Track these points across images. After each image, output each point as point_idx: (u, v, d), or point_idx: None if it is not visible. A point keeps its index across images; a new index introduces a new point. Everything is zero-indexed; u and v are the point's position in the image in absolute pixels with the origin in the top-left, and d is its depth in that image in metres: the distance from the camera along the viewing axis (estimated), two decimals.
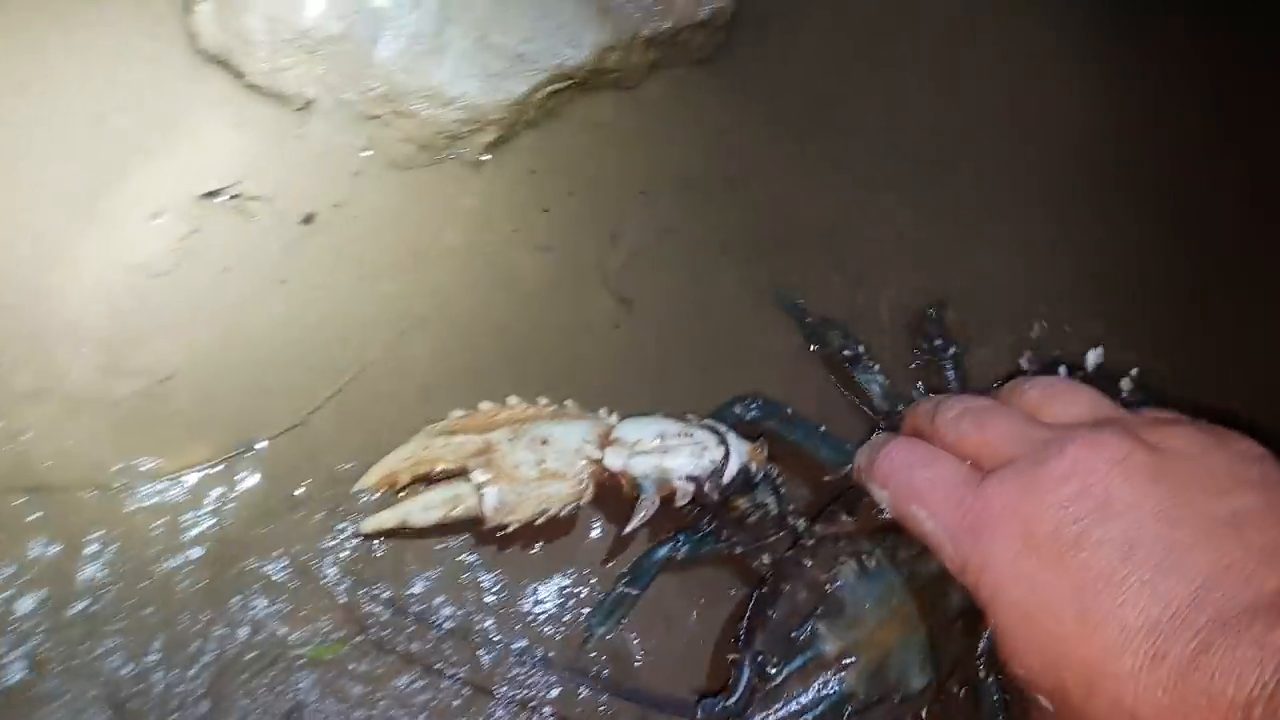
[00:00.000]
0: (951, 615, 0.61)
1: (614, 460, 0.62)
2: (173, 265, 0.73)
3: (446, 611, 0.69)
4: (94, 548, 0.65)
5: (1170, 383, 0.77)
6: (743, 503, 0.66)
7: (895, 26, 0.96)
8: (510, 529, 0.63)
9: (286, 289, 0.75)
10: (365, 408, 0.73)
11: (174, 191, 0.76)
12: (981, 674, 0.63)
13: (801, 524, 0.66)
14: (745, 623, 0.63)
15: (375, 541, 0.69)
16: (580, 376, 0.75)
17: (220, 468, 0.68)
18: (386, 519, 0.66)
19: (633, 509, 0.62)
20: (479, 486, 0.62)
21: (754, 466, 0.65)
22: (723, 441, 0.64)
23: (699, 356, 0.74)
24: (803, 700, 0.58)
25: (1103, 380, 0.71)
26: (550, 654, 0.68)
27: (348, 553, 0.69)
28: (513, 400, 0.66)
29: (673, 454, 0.63)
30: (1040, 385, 0.57)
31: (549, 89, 0.80)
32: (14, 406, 0.69)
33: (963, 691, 0.65)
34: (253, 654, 0.64)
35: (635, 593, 0.66)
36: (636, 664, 0.68)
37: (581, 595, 0.70)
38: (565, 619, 0.70)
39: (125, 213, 0.75)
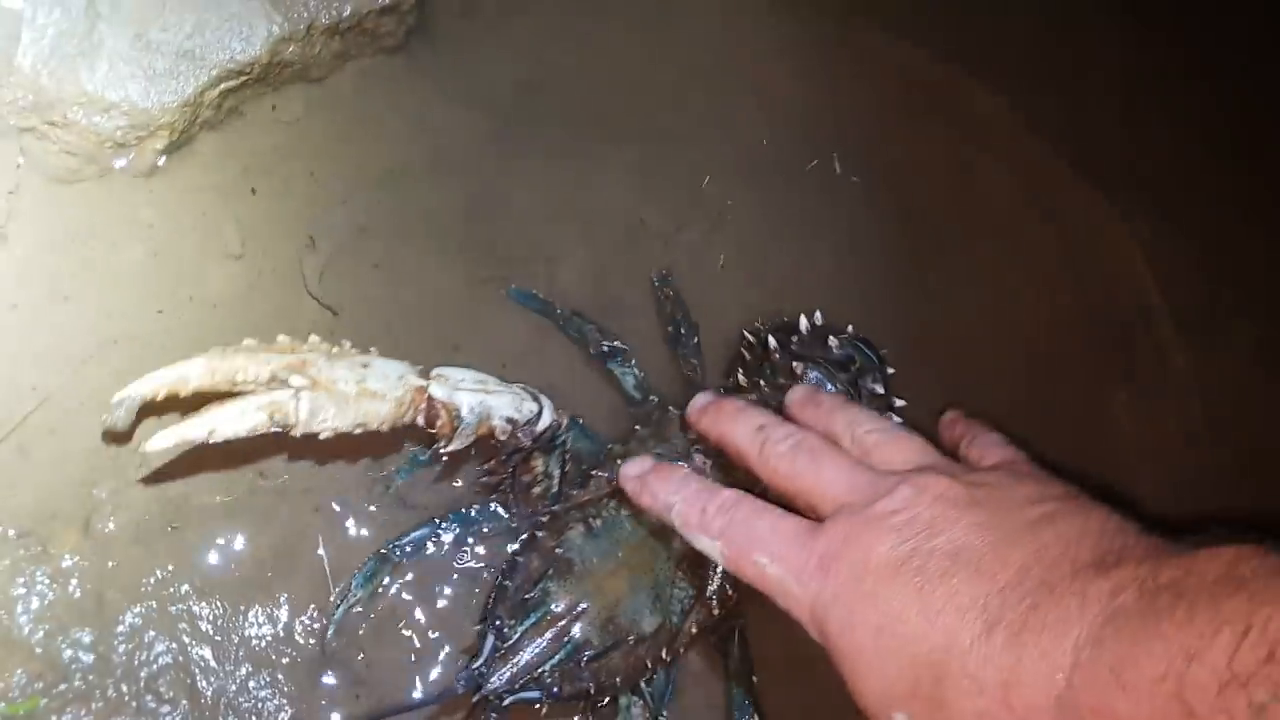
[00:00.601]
0: (676, 560, 0.67)
1: (439, 390, 0.64)
2: None
3: (159, 647, 0.67)
4: None
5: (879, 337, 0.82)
6: (538, 464, 0.71)
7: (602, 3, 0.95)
8: (322, 436, 0.61)
9: None
10: (49, 442, 0.69)
11: None
12: (716, 612, 0.69)
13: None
14: (489, 597, 0.67)
15: (72, 582, 0.66)
16: None
17: None
18: (186, 431, 0.59)
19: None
20: (297, 390, 0.60)
21: (561, 425, 0.70)
22: (537, 399, 0.69)
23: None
24: (539, 652, 0.64)
25: (821, 334, 0.78)
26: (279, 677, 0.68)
27: (39, 599, 0.65)
28: (314, 338, 0.64)
29: (495, 396, 0.67)
30: (877, 430, 0.60)
31: (222, 86, 0.75)
32: None
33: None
34: None
35: (397, 558, 0.70)
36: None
37: (306, 620, 0.69)
38: (294, 640, 0.69)
39: None
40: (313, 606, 0.70)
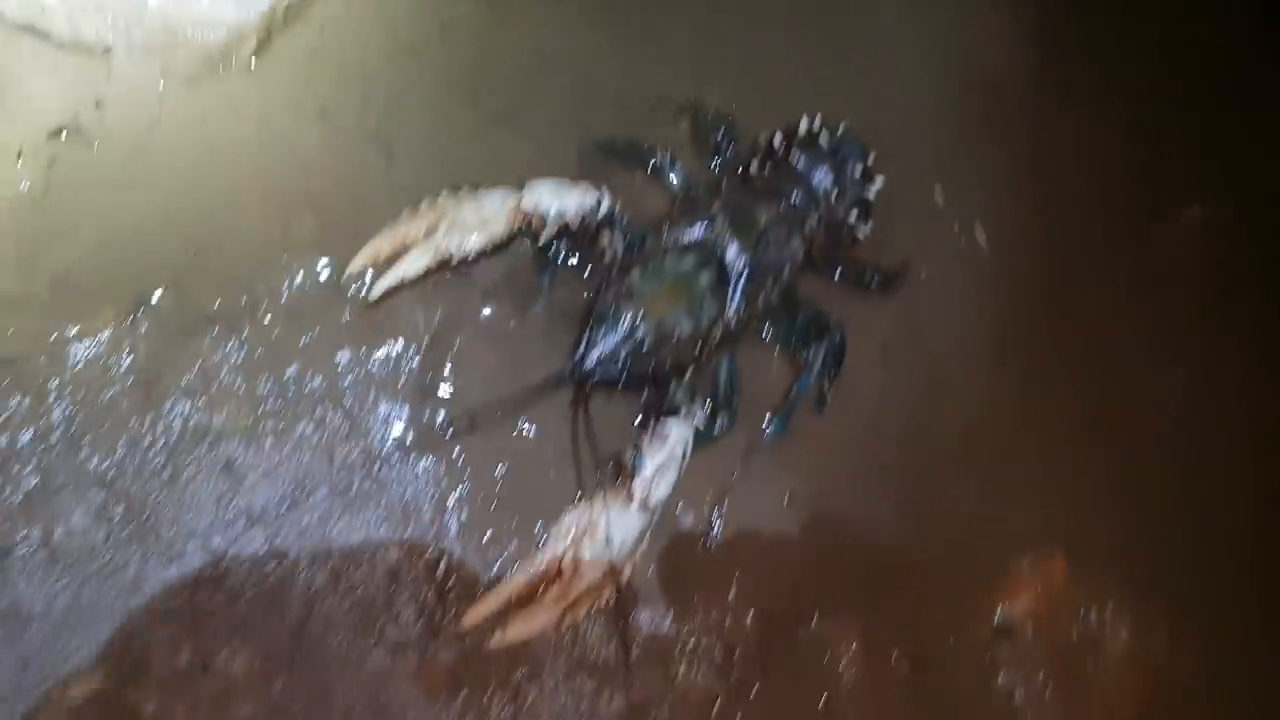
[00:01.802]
0: (703, 290, 0.98)
1: (528, 204, 0.98)
2: (44, 189, 0.99)
3: (316, 382, 1.00)
4: (54, 394, 0.93)
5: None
6: (604, 237, 1.01)
7: None
8: (471, 257, 0.98)
9: (140, 193, 1.01)
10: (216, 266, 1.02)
11: (26, 137, 1.01)
12: (734, 326, 1.00)
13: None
14: (588, 310, 0.98)
15: (259, 350, 0.99)
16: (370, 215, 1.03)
17: (127, 321, 0.96)
18: (387, 281, 0.97)
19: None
20: (448, 232, 0.97)
21: (617, 209, 1.01)
22: (598, 190, 1.00)
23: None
24: (615, 342, 0.94)
25: (817, 132, 1.10)
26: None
27: (236, 358, 0.99)
28: (444, 196, 1.00)
29: (567, 197, 0.98)
30: None
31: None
32: None
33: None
34: (190, 435, 0.94)
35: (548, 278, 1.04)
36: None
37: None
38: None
39: None
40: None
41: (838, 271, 1.10)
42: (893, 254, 1.14)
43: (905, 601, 1.01)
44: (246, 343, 0.98)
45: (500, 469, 0.99)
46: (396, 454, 0.98)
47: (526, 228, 0.99)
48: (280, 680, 0.88)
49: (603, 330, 0.94)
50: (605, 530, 0.89)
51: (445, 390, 1.00)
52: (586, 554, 0.88)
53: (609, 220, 1.00)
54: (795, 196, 1.06)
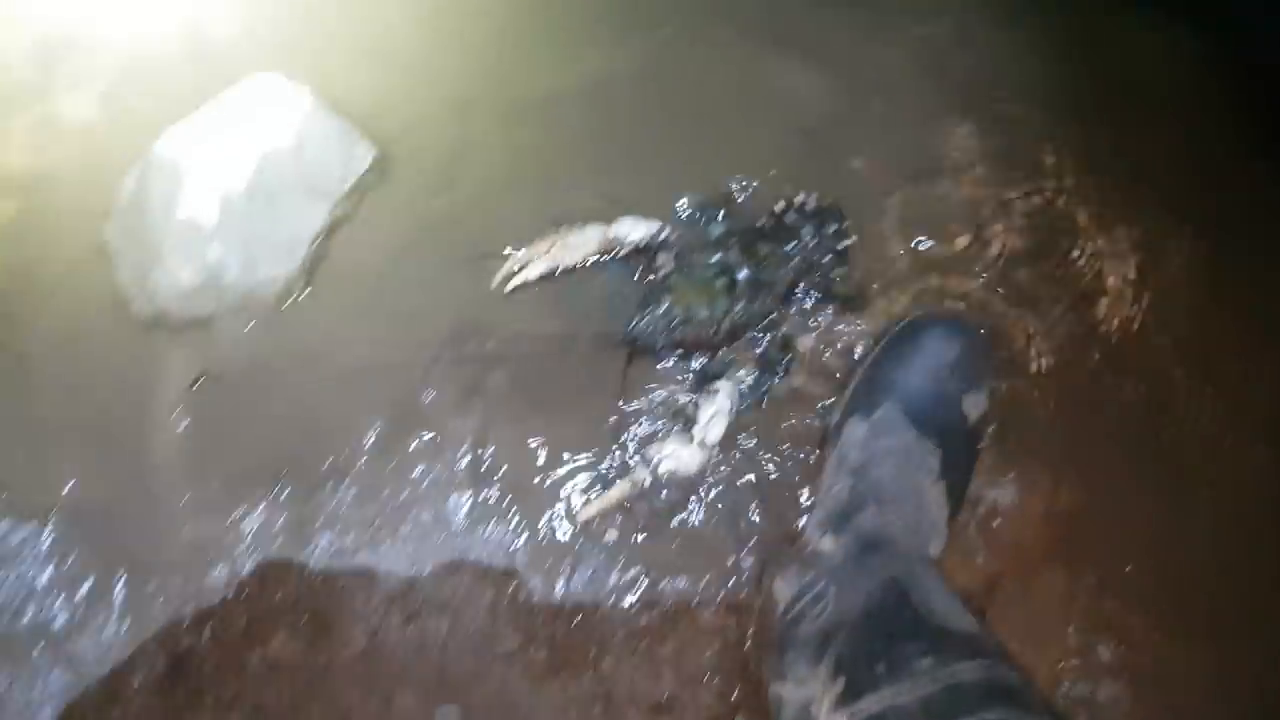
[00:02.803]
0: (718, 292, 1.37)
1: (611, 234, 1.41)
2: (194, 423, 1.37)
3: None
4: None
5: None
6: (660, 256, 1.42)
7: None
8: (569, 266, 1.42)
9: (261, 405, 1.37)
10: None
11: (175, 393, 1.39)
12: (736, 319, 1.38)
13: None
14: (641, 296, 1.39)
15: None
16: None
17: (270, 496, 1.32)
18: (520, 279, 1.42)
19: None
20: (559, 249, 1.42)
21: (673, 237, 1.43)
22: (661, 224, 1.43)
23: None
24: (656, 318, 1.35)
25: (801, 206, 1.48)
26: None
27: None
28: (561, 230, 1.43)
29: (637, 228, 1.42)
30: None
31: None
32: None
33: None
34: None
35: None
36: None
37: None
38: None
39: None
40: None
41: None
42: None
43: None
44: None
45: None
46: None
47: (612, 249, 1.44)
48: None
49: (649, 309, 1.36)
50: (673, 463, 1.30)
51: None
52: (661, 477, 1.30)
53: (665, 244, 1.43)
54: (787, 243, 1.45)
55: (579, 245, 1.41)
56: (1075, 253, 1.47)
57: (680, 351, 1.38)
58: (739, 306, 1.37)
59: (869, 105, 1.59)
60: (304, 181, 1.41)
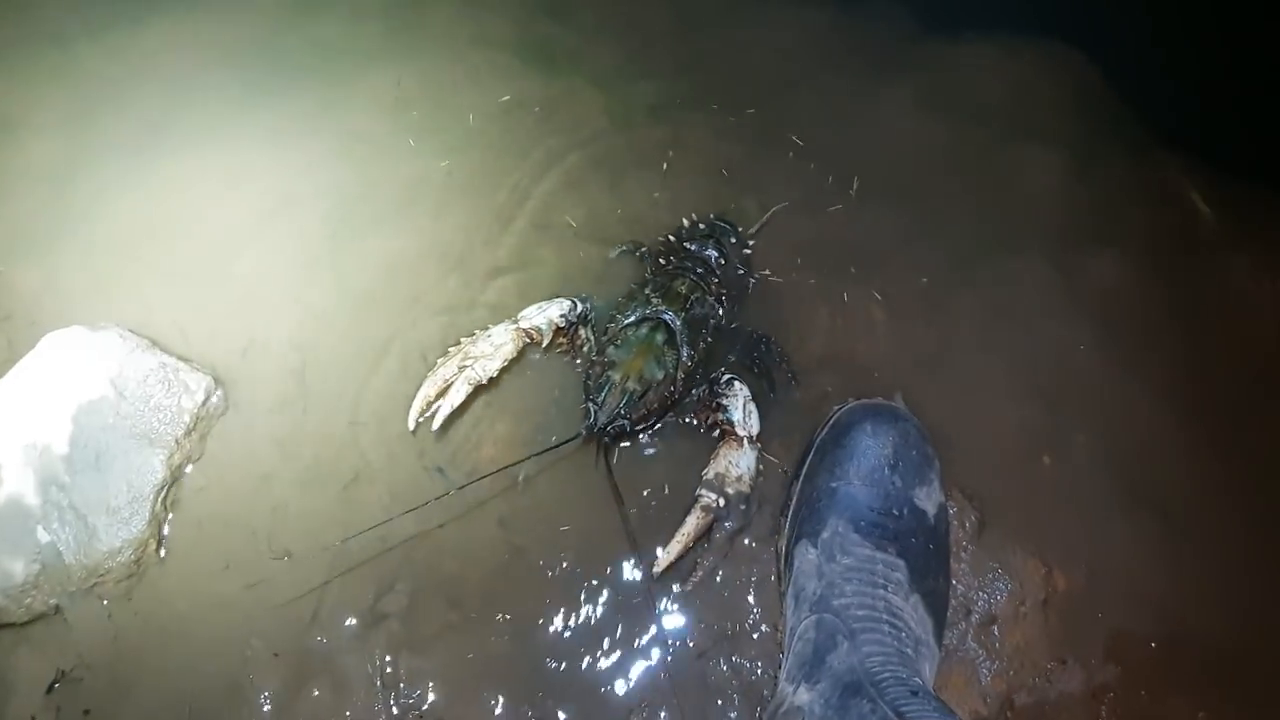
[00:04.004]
0: (660, 346, 1.29)
1: (525, 325, 1.34)
2: None
3: None
4: None
5: None
6: (582, 333, 1.37)
7: None
8: (491, 377, 1.32)
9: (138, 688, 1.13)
10: None
11: (27, 706, 1.16)
12: (690, 365, 1.32)
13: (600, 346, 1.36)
14: (584, 380, 1.31)
15: None
16: None
17: None
18: (444, 412, 1.30)
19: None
20: (470, 369, 1.30)
21: (588, 308, 1.38)
22: (572, 300, 1.37)
23: None
24: (614, 401, 1.24)
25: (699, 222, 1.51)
26: None
27: None
28: (464, 340, 1.34)
29: (549, 310, 1.35)
30: None
31: None
32: None
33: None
34: None
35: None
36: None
37: None
38: None
39: None
40: None
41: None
42: None
43: None
44: None
45: None
46: None
47: (531, 341, 1.36)
48: None
49: (601, 395, 1.26)
50: (736, 470, 1.23)
51: None
52: (731, 492, 1.22)
53: (584, 318, 1.37)
54: (697, 269, 1.41)
55: (492, 350, 1.31)
56: None
57: (650, 421, 1.32)
58: (685, 351, 1.31)
59: None
60: (132, 430, 1.24)
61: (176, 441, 1.26)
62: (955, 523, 1.19)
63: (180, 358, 1.33)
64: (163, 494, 1.24)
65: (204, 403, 1.29)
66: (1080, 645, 1.14)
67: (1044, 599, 1.16)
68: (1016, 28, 1.76)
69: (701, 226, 1.49)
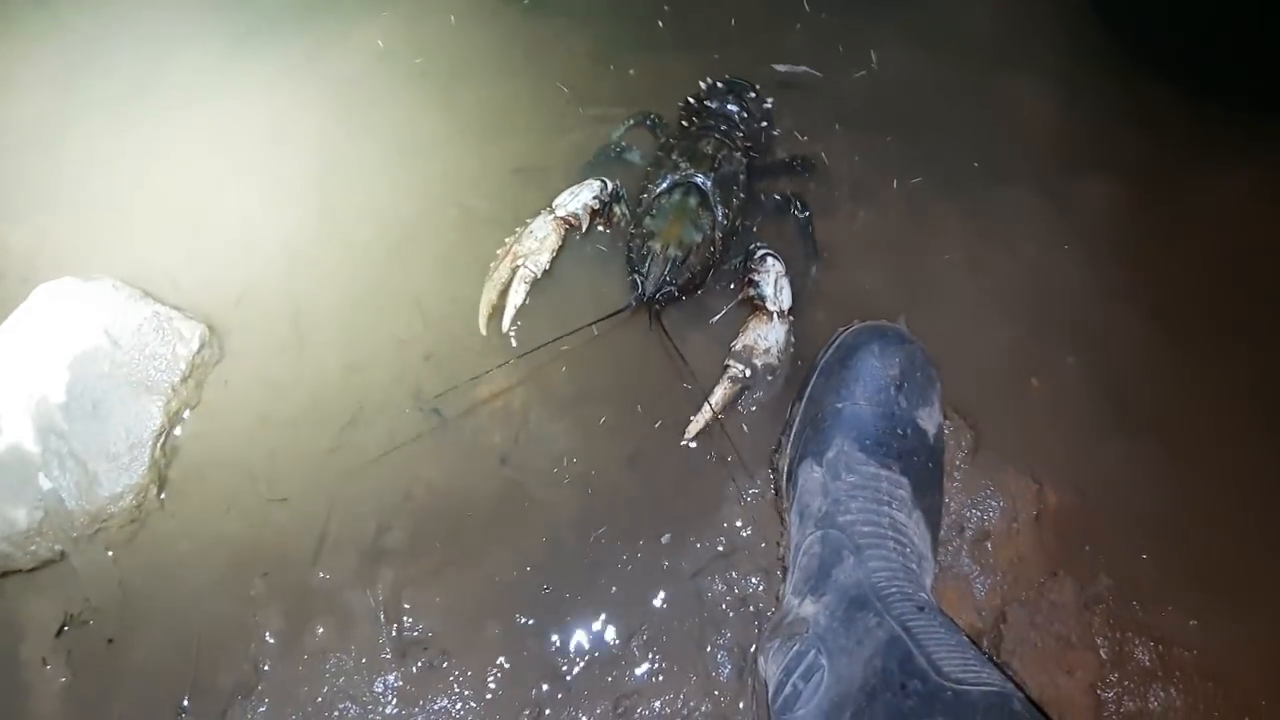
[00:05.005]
0: (695, 209, 1.33)
1: (561, 213, 1.35)
2: (70, 677, 1.16)
3: None
4: None
5: None
6: (617, 209, 1.40)
7: None
8: (548, 266, 1.34)
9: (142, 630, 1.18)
10: None
11: (39, 645, 1.19)
12: (727, 223, 1.37)
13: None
14: (626, 254, 1.34)
15: None
16: None
17: None
18: (510, 311, 1.32)
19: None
20: (524, 265, 1.33)
21: (618, 187, 1.41)
22: (601, 181, 1.39)
23: None
24: (658, 268, 1.29)
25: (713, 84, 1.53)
26: None
27: None
28: (507, 239, 1.37)
29: (581, 194, 1.36)
30: None
31: None
32: None
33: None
34: None
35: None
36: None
37: None
38: None
39: None
40: None
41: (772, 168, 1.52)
42: None
43: None
44: None
45: None
46: None
47: (571, 228, 1.36)
48: None
49: (645, 265, 1.29)
50: (765, 343, 1.26)
51: None
52: (759, 364, 1.25)
53: (616, 196, 1.39)
54: (720, 127, 1.44)
55: (538, 244, 1.32)
56: None
57: (696, 284, 1.34)
58: (720, 211, 1.34)
59: None
60: (129, 378, 1.24)
61: (173, 389, 1.27)
62: (951, 442, 1.20)
63: (174, 307, 1.33)
64: (161, 440, 1.25)
65: (199, 350, 1.30)
66: (1072, 559, 1.15)
67: (1036, 515, 1.17)
68: None
69: (720, 85, 1.51)
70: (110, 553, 1.22)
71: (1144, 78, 1.61)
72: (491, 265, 1.34)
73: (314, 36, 1.70)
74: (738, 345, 1.25)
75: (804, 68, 1.61)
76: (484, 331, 1.32)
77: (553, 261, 1.33)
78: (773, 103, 1.52)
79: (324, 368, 1.33)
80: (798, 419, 1.19)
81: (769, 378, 1.26)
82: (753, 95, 1.51)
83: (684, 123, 1.48)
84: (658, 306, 1.28)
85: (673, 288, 1.27)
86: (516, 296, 1.31)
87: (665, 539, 1.18)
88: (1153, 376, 1.30)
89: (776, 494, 1.19)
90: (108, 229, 1.47)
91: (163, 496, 1.25)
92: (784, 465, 1.19)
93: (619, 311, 1.26)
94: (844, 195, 1.47)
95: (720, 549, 1.18)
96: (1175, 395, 1.28)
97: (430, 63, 1.68)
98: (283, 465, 1.26)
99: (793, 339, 1.28)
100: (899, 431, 1.11)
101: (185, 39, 1.70)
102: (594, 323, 1.25)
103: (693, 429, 1.23)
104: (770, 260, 1.29)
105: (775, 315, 1.26)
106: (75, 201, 1.50)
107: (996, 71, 1.60)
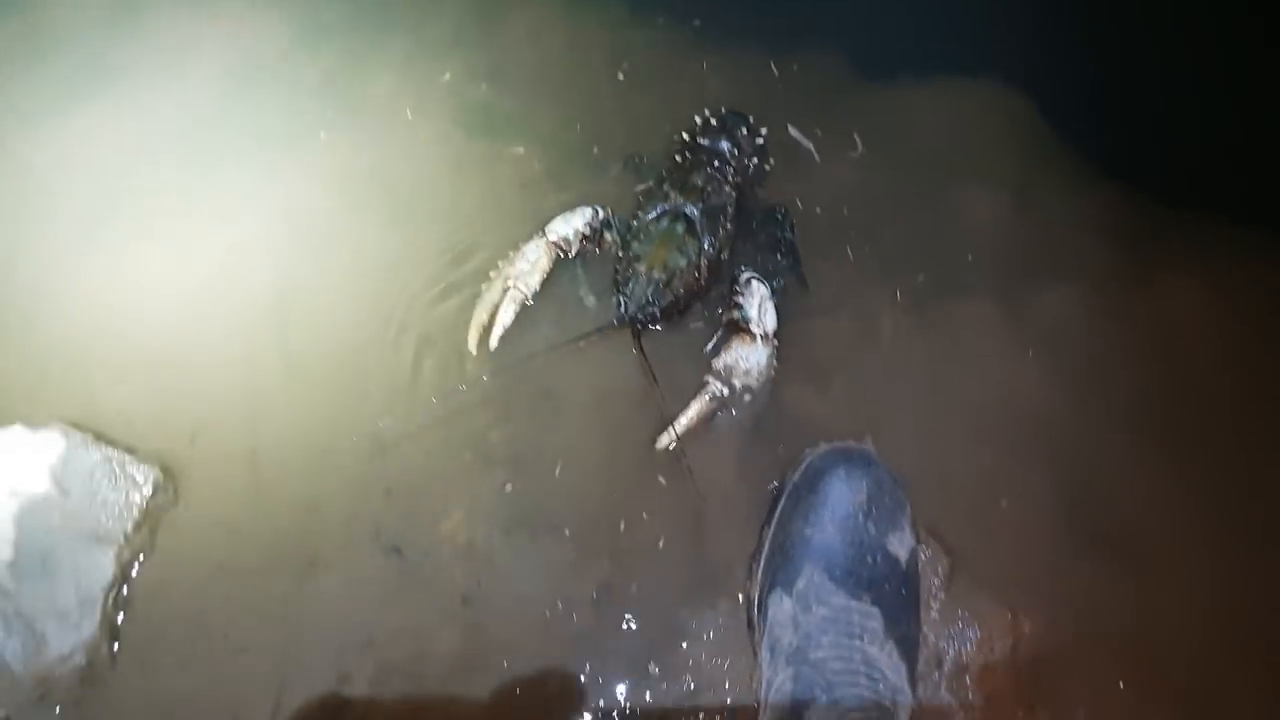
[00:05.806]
0: (681, 236, 1.39)
1: (552, 238, 1.42)
2: None
3: None
4: None
5: None
6: (608, 236, 1.46)
7: None
8: (534, 291, 1.41)
9: None
10: None
11: None
12: (713, 251, 1.41)
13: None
14: (614, 282, 1.39)
15: None
16: None
17: None
18: (497, 331, 1.38)
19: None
20: (514, 288, 1.40)
21: (609, 214, 1.47)
22: (593, 209, 1.46)
23: None
24: (642, 289, 1.35)
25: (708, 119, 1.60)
26: None
27: None
28: (502, 262, 1.43)
29: (573, 220, 1.44)
30: None
31: None
32: None
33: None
34: None
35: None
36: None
37: None
38: None
39: None
40: None
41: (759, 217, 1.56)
42: None
43: None
44: None
45: None
46: None
47: (561, 252, 1.43)
48: None
49: (629, 286, 1.35)
50: (745, 364, 1.30)
51: None
52: (737, 384, 1.29)
53: (606, 223, 1.46)
54: (713, 163, 1.50)
55: (529, 266, 1.40)
56: None
57: (680, 308, 1.40)
58: (707, 240, 1.39)
59: None
60: (79, 529, 1.20)
61: (125, 537, 1.22)
62: (928, 569, 1.19)
63: (126, 449, 1.29)
64: (113, 593, 1.20)
65: (153, 495, 1.25)
66: (1047, 691, 1.14)
67: (1011, 645, 1.16)
68: (951, 68, 1.78)
69: (713, 121, 1.59)
70: (59, 716, 1.16)
71: (1096, 183, 1.64)
72: (483, 286, 1.41)
73: (269, 159, 1.68)
74: (719, 364, 1.30)
75: (811, 145, 1.68)
76: (473, 351, 1.38)
77: (543, 284, 1.43)
78: (764, 136, 1.61)
79: (281, 508, 1.29)
80: (767, 544, 1.18)
81: (746, 398, 1.31)
82: (744, 132, 1.58)
83: (677, 157, 1.55)
84: (639, 326, 1.34)
85: (655, 309, 1.33)
86: (505, 316, 1.37)
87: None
88: (1120, 492, 1.29)
89: (749, 627, 1.17)
90: (58, 368, 1.42)
91: (115, 652, 1.19)
92: (755, 595, 1.17)
93: (599, 329, 1.34)
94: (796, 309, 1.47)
95: (692, 687, 1.15)
96: (1143, 510, 1.28)
97: (389, 184, 1.66)
98: (240, 614, 1.21)
99: (774, 363, 1.33)
100: (868, 560, 1.10)
101: (136, 168, 1.66)
102: (578, 339, 1.35)
103: (665, 439, 1.28)
104: (755, 284, 1.35)
105: (759, 338, 1.30)
106: (22, 341, 1.46)
107: (949, 184, 1.62)
